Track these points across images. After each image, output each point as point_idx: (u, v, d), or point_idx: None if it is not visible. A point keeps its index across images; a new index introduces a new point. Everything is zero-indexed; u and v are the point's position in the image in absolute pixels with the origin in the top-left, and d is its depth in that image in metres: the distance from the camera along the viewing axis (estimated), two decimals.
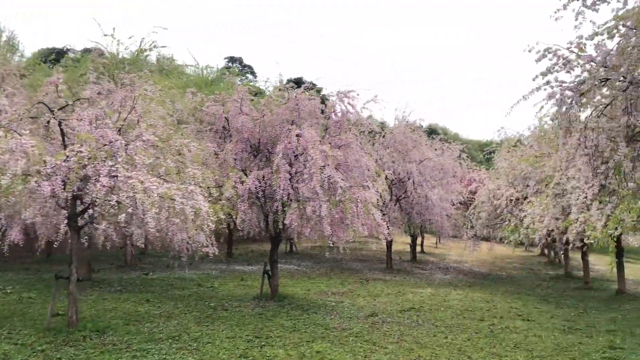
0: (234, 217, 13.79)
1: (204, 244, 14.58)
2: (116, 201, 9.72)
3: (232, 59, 59.52)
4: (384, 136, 26.50)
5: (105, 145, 10.27)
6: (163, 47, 21.64)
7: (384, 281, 22.36)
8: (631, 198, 9.20)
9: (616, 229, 8.98)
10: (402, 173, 25.89)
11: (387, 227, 25.89)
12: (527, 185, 22.11)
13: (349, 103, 15.18)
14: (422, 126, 27.91)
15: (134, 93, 12.04)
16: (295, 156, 13.97)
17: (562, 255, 35.45)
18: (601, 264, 36.03)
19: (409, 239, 33.07)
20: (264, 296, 15.53)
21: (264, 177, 13.92)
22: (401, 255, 33.52)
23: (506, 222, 21.95)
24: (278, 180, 13.41)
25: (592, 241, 10.46)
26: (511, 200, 22.51)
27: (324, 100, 15.86)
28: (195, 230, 12.96)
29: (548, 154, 18.72)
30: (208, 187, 12.92)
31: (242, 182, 13.62)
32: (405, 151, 26.11)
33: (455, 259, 34.83)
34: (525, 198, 21.60)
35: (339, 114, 15.24)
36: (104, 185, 9.52)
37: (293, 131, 13.78)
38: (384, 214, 25.55)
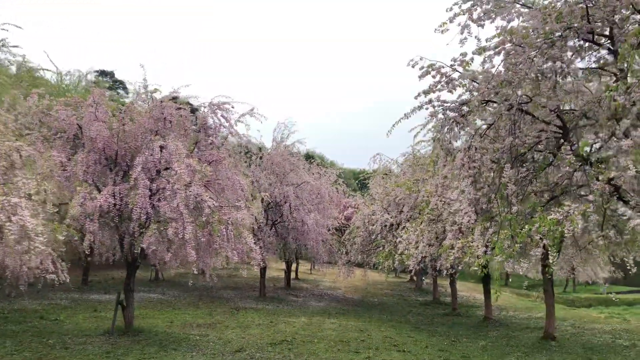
0: (78, 239, 11.68)
1: (48, 270, 12.50)
2: None
3: (102, 73, 55.59)
4: (261, 157, 25.24)
5: None
6: (14, 46, 18.73)
7: (256, 310, 20.85)
8: (515, 223, 8.70)
9: (499, 255, 8.40)
10: (278, 196, 24.73)
11: (262, 252, 24.70)
12: (401, 211, 21.85)
13: (222, 116, 13.75)
14: (299, 152, 26.99)
15: None
16: (157, 171, 12.23)
17: (424, 282, 36.27)
18: (464, 290, 37.21)
19: (283, 265, 31.84)
20: (116, 330, 13.40)
21: (119, 193, 11.98)
22: (275, 282, 32.17)
23: (380, 248, 21.47)
24: (136, 198, 11.59)
25: (475, 268, 9.83)
26: (385, 225, 22.12)
27: (194, 111, 14.28)
28: (29, 253, 10.87)
29: (422, 179, 18.52)
30: (45, 203, 10.81)
31: (92, 199, 11.59)
32: (282, 174, 25.03)
33: (329, 285, 34.14)
34: (399, 224, 21.28)
35: (211, 127, 13.72)
36: None
37: (156, 142, 12.07)
38: (258, 239, 24.21)
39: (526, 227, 8.01)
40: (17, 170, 10.17)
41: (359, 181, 38.98)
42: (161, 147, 12.01)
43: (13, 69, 19.43)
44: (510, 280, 35.75)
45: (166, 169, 12.10)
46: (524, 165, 9.71)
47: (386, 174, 26.45)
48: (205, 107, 13.79)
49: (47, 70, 23.46)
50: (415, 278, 36.43)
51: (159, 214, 11.69)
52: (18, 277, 14.74)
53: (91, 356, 10.83)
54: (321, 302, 25.54)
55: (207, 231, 11.92)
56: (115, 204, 12.02)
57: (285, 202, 24.52)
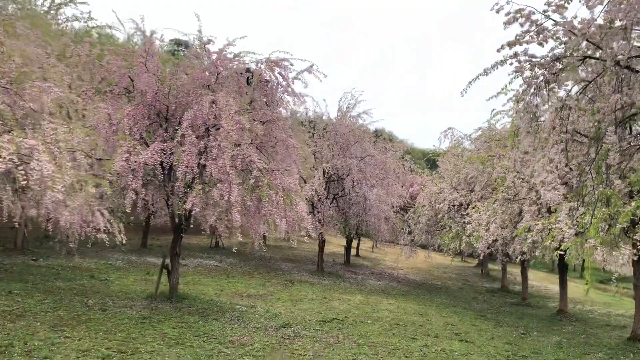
0: (112, 195, 10.93)
1: (100, 229, 11.94)
2: None
3: (178, 42, 55.75)
4: (325, 127, 24.03)
5: None
6: (82, 2, 18.19)
7: (311, 284, 19.86)
8: (617, 199, 7.05)
9: (594, 239, 6.81)
10: (340, 169, 23.51)
11: (322, 224, 23.68)
12: (472, 190, 20.12)
13: (279, 73, 12.55)
14: (364, 124, 25.48)
15: None
16: (207, 129, 11.25)
17: (485, 266, 34.15)
18: (536, 279, 34.85)
19: (344, 241, 30.74)
20: (160, 295, 12.69)
21: (168, 151, 11.09)
22: (335, 258, 31.16)
23: (447, 229, 19.87)
24: (182, 155, 10.66)
25: (559, 253, 8.22)
26: (454, 205, 20.46)
27: (248, 70, 13.16)
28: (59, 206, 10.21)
29: (498, 155, 16.73)
30: (87, 155, 10.08)
31: (136, 154, 10.75)
32: (346, 146, 23.74)
33: (390, 264, 32.77)
34: (469, 204, 19.57)
35: (267, 85, 12.58)
36: None
37: (206, 97, 11.06)
38: (318, 211, 23.19)
39: (633, 204, 6.37)
40: (45, 115, 9.40)
41: (426, 159, 37.08)
42: (212, 103, 10.98)
43: (76, 25, 18.94)
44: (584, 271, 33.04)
45: (215, 126, 11.08)
46: (631, 131, 7.96)
47: (457, 153, 24.58)
48: (261, 64, 12.64)
49: (115, 28, 22.93)
50: (483, 262, 34.55)
51: (206, 175, 10.71)
52: (67, 234, 14.35)
53: (126, 320, 10.08)
54: (380, 281, 24.28)
55: (255, 196, 10.88)
56: (162, 162, 11.16)
57: (348, 176, 23.28)
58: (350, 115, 24.22)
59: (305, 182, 22.39)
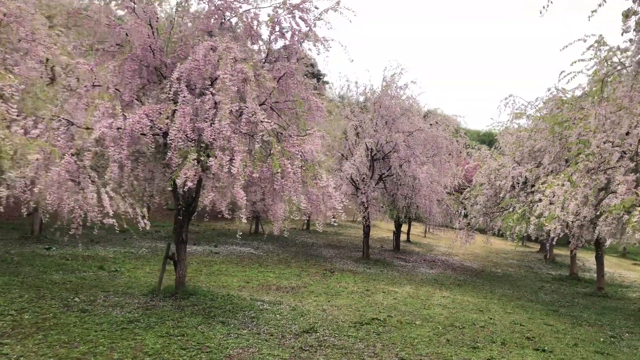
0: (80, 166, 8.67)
1: (109, 212, 9.91)
2: None
3: None
4: (366, 98, 21.33)
5: None
6: None
7: (354, 274, 17.33)
8: None
9: None
10: (385, 145, 20.77)
11: (366, 207, 21.04)
12: (539, 164, 16.99)
13: (300, 18, 9.95)
14: (413, 96, 22.46)
15: None
16: (211, 84, 8.78)
17: (550, 251, 30.56)
18: (608, 265, 31.07)
19: (393, 226, 27.99)
20: (164, 291, 10.47)
21: (164, 114, 8.70)
22: (383, 244, 28.51)
23: (510, 210, 16.83)
24: (176, 118, 8.29)
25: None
26: (518, 182, 17.37)
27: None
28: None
29: (573, 120, 13.59)
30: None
31: (123, 117, 8.44)
32: (391, 119, 20.95)
33: (444, 250, 29.78)
34: (537, 179, 16.48)
35: (285, 32, 10.00)
36: None
37: (203, 42, 8.61)
38: (362, 192, 20.57)
39: None
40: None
41: (480, 141, 33.68)
42: (211, 50, 8.53)
43: None
44: None
45: (216, 79, 8.62)
46: None
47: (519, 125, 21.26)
48: (279, 7, 10.05)
49: None
50: (547, 247, 31.12)
51: (203, 141, 8.30)
52: (58, 217, 12.39)
53: (104, 325, 7.85)
54: (433, 269, 21.46)
55: (265, 167, 8.42)
56: (152, 127, 8.81)
57: (394, 152, 20.51)
58: (397, 86, 21.33)
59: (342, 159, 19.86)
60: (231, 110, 7.77)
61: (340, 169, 19.88)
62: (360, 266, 19.37)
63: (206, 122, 8.15)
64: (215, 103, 7.85)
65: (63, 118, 9.07)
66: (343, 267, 18.63)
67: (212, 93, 8.07)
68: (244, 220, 7.89)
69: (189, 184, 7.87)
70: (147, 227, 10.32)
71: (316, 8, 9.95)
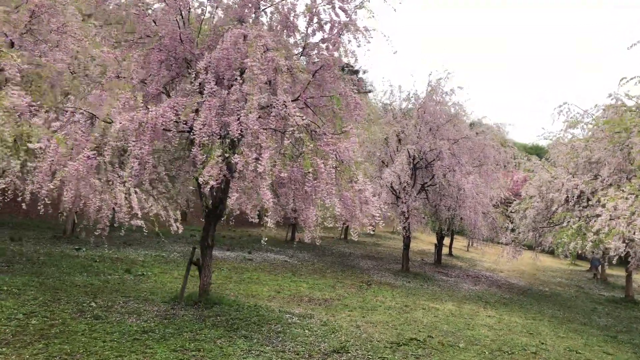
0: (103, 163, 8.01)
1: (137, 213, 9.39)
2: None
3: None
4: (410, 103, 20.33)
5: None
6: None
7: (392, 287, 16.29)
8: None
9: None
10: (429, 153, 19.69)
11: (406, 217, 19.97)
12: (597, 176, 15.62)
13: (340, 8, 9.12)
14: (460, 103, 21.22)
15: None
16: (240, 75, 8.02)
17: (598, 271, 28.57)
18: None
19: (435, 238, 26.73)
20: (187, 298, 9.74)
21: (188, 107, 7.99)
22: (424, 257, 27.30)
23: (565, 224, 15.48)
24: (201, 111, 7.57)
25: None
26: (572, 195, 16.01)
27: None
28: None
29: (639, 128, 12.25)
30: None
31: (147, 108, 7.78)
32: (436, 126, 19.87)
33: (489, 266, 28.29)
34: (594, 192, 15.12)
35: (325, 25, 9.17)
36: None
37: (233, 30, 7.88)
38: (402, 202, 19.53)
39: None
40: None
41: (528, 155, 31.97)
42: (243, 38, 7.79)
43: None
44: None
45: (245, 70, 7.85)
46: None
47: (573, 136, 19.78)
48: None
49: None
50: (599, 266, 29.25)
51: (227, 135, 7.54)
52: (84, 217, 11.88)
53: (116, 335, 7.14)
54: (477, 285, 20.17)
55: (296, 166, 7.59)
56: (177, 122, 8.10)
57: (438, 160, 19.40)
58: (442, 91, 20.23)
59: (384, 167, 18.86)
60: (260, 104, 6.97)
61: (380, 176, 18.90)
62: (399, 279, 18.31)
63: (233, 115, 7.39)
64: (243, 94, 7.06)
65: (85, 110, 8.49)
66: (381, 280, 17.62)
67: (240, 83, 7.30)
68: (271, 225, 7.07)
69: (212, 182, 7.10)
70: (180, 231, 9.78)
71: (362, 3, 9.09)
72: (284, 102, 7.09)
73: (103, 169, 9.02)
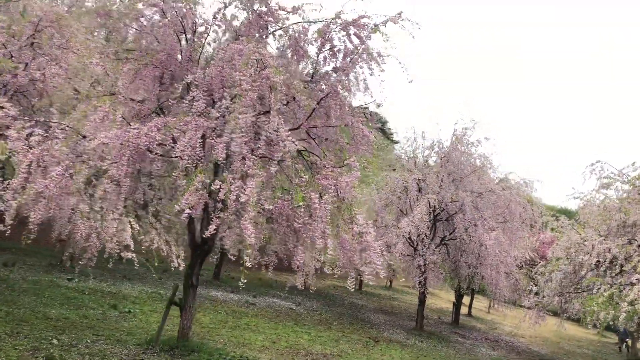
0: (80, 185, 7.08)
1: (129, 244, 8.68)
2: None
3: None
4: (433, 152, 19.30)
5: None
6: None
7: (402, 346, 14.85)
8: None
9: None
10: (451, 205, 18.48)
11: (422, 271, 18.60)
12: (632, 240, 14.19)
13: (355, 34, 8.27)
14: (486, 156, 20.02)
15: None
16: (232, 96, 7.14)
17: (633, 345, 26.26)
18: None
19: (453, 296, 25.06)
20: (163, 342, 8.62)
21: (171, 125, 7.10)
22: (440, 315, 25.57)
23: (594, 291, 13.98)
24: (188, 130, 6.67)
25: None
26: (604, 259, 14.53)
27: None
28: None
29: None
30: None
31: (128, 123, 6.94)
32: (459, 177, 18.73)
33: (509, 330, 26.32)
34: (627, 258, 13.66)
35: (336, 50, 8.31)
36: None
37: (232, 45, 7.06)
38: (419, 255, 18.22)
39: None
40: None
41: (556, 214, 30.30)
42: (238, 54, 6.95)
43: None
44: None
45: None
46: None
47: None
48: (334, 24, 8.44)
49: None
50: (629, 339, 26.98)
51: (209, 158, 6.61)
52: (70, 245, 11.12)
53: None
54: (495, 350, 18.48)
55: (289, 200, 6.57)
56: (163, 144, 7.20)
57: (460, 213, 18.15)
58: (468, 141, 19.17)
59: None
60: (248, 125, 6.03)
61: (397, 226, 17.72)
62: (411, 338, 16.81)
63: (221, 137, 6.46)
64: (227, 109, 6.15)
65: (68, 126, 7.69)
66: (391, 337, 16.17)
67: (229, 100, 6.40)
68: (248, 264, 6.00)
69: (187, 211, 6.12)
70: (181, 268, 8.96)
71: (375, 26, 8.24)
72: (277, 125, 6.14)
73: (88, 195, 8.21)
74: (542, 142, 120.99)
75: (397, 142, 35.99)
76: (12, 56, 9.70)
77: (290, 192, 6.60)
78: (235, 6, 8.16)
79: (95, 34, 10.36)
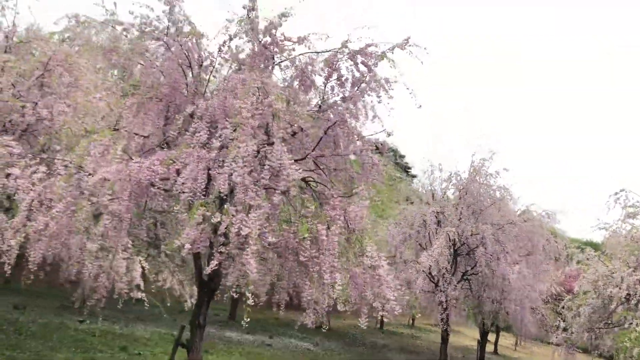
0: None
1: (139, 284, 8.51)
2: None
3: None
4: (451, 183, 18.87)
5: None
6: None
7: None
8: None
9: None
10: (471, 239, 17.92)
11: (444, 308, 17.94)
12: None
13: (362, 63, 8.05)
14: (505, 188, 19.45)
15: None
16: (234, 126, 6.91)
17: None
18: None
19: (478, 333, 24.12)
20: None
21: (171, 157, 6.87)
22: (466, 353, 24.59)
23: (626, 326, 13.24)
24: (190, 162, 6.44)
25: None
26: (635, 292, 13.80)
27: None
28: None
29: None
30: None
31: (130, 157, 6.75)
32: (479, 209, 18.22)
33: None
34: None
35: (346, 80, 8.09)
36: None
37: (233, 75, 6.89)
38: (440, 290, 17.60)
39: None
40: None
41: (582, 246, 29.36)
42: (242, 83, 6.75)
43: None
44: None
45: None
46: None
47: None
48: (341, 54, 8.25)
49: None
50: None
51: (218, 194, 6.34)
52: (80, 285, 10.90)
53: None
54: None
55: (295, 232, 6.24)
56: (166, 178, 6.96)
57: (481, 246, 17.56)
58: (486, 173, 18.70)
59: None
60: (249, 153, 5.77)
61: (416, 260, 17.18)
62: None
63: (223, 168, 6.20)
64: (229, 138, 5.91)
65: (69, 162, 7.52)
66: None
67: (228, 128, 6.17)
68: (251, 302, 5.64)
69: (188, 246, 5.81)
70: (191, 305, 8.65)
71: (382, 53, 8.02)
72: (280, 153, 5.86)
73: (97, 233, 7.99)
74: (543, 148, 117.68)
75: (415, 176, 35.61)
76: (20, 95, 9.70)
77: (296, 224, 6.27)
78: (240, 37, 8.01)
79: (108, 73, 10.34)
